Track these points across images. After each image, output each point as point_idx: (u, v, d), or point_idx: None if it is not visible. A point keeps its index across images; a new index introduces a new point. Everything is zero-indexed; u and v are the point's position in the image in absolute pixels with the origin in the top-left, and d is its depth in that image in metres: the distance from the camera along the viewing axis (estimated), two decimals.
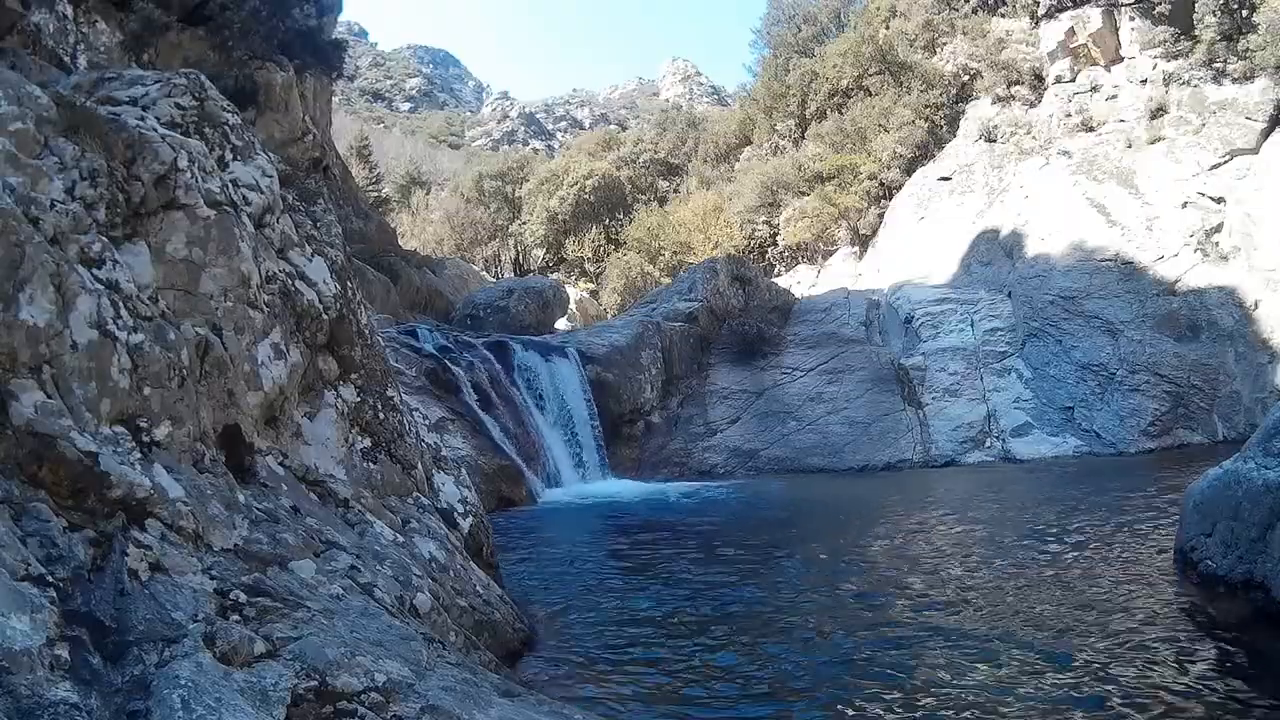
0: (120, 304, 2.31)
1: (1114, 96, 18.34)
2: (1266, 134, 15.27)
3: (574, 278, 31.40)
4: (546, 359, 12.75)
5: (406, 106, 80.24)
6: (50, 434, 1.92)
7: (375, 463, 3.65)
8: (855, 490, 10.49)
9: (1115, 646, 3.63)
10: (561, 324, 21.95)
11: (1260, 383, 12.90)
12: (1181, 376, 13.04)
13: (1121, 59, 18.64)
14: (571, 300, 24.23)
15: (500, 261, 34.11)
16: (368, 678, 1.99)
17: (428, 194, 39.28)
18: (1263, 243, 13.84)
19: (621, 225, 31.20)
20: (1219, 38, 16.48)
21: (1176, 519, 4.97)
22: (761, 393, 14.13)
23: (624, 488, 11.29)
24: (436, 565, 3.47)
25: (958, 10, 23.30)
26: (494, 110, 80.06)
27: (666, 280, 22.72)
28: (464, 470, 4.81)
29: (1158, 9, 17.69)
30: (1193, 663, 3.44)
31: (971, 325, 14.81)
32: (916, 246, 19.09)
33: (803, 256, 22.93)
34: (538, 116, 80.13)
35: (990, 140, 20.01)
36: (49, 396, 1.99)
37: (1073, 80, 19.36)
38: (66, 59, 4.03)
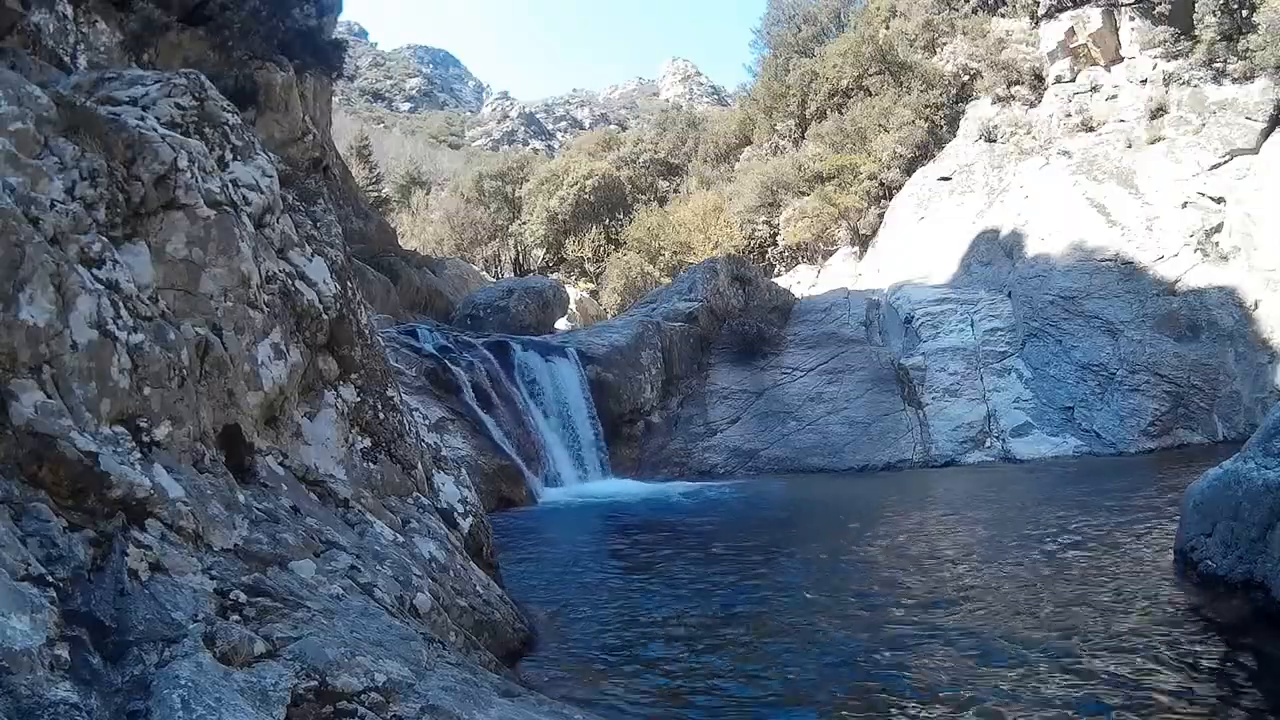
0: (120, 304, 2.31)
1: (1114, 96, 18.35)
2: (1266, 134, 15.27)
3: (574, 278, 31.41)
4: (546, 359, 12.75)
5: (406, 106, 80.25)
6: (50, 434, 1.92)
7: (375, 463, 3.65)
8: (855, 490, 10.49)
9: (1115, 646, 3.62)
10: (561, 324, 21.95)
11: (1260, 383, 12.91)
12: (1181, 376, 13.04)
13: (1121, 59, 18.64)
14: (571, 300, 24.24)
15: (500, 261, 34.11)
16: (368, 678, 1.99)
17: (428, 194, 39.30)
18: (1263, 243, 13.84)
19: (621, 225, 31.21)
20: (1219, 38, 16.48)
21: (1176, 519, 4.97)
22: (761, 393, 14.13)
23: (624, 488, 11.29)
24: (436, 565, 3.47)
25: (958, 10, 23.30)
26: (494, 110, 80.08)
27: (666, 280, 22.72)
28: (464, 470, 4.81)
29: (1158, 9, 17.69)
30: (1193, 663, 3.44)
31: (971, 325, 14.81)
32: (916, 246, 19.09)
33: (803, 256, 22.93)
34: (538, 116, 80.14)
35: (990, 140, 20.01)
36: (49, 396, 1.99)
37: (1073, 80, 19.36)
38: (66, 59, 4.03)
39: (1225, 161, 15.40)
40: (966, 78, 21.87)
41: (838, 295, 16.93)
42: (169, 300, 2.64)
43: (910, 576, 5.24)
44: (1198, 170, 15.54)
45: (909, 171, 21.37)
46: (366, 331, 3.90)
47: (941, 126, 21.73)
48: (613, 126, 59.78)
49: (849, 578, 5.29)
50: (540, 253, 33.85)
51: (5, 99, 2.25)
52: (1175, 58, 17.35)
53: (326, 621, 2.22)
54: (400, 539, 3.38)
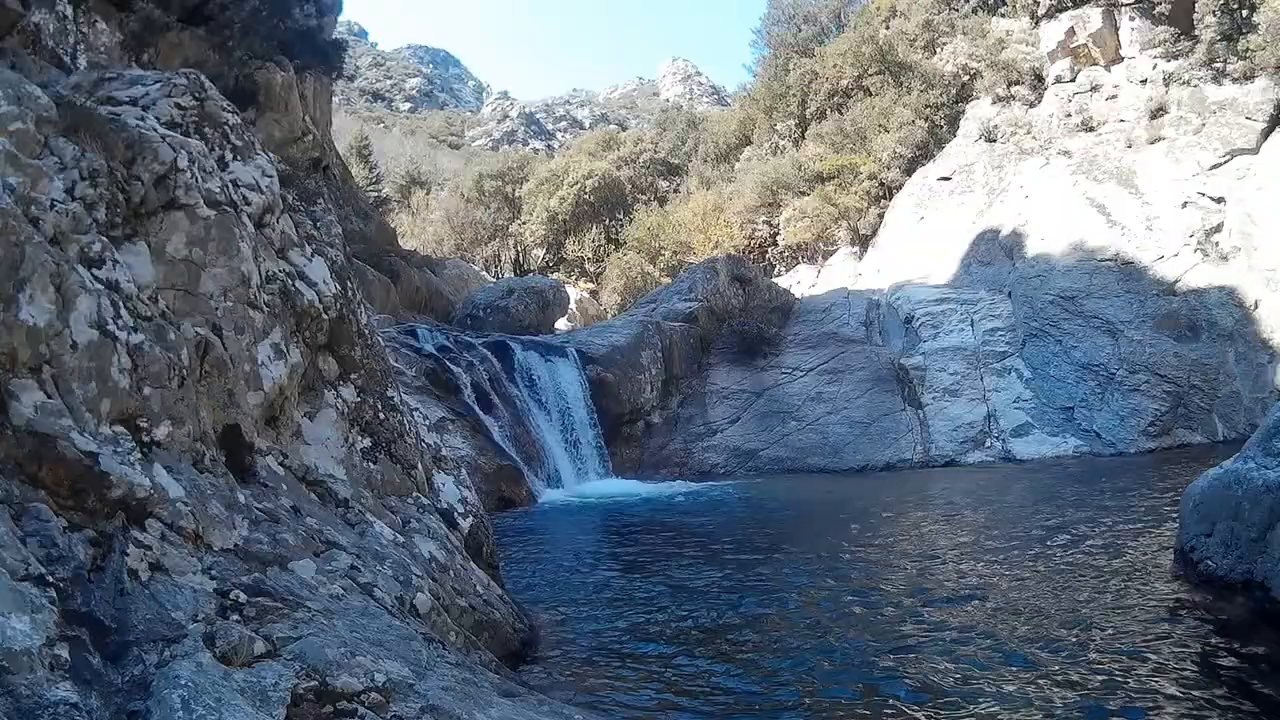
0: (120, 304, 2.31)
1: (1114, 96, 18.34)
2: (1266, 134, 15.27)
3: (574, 278, 31.40)
4: (546, 359, 12.76)
5: (406, 106, 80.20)
6: (50, 434, 1.92)
7: (375, 463, 3.65)
8: (855, 490, 10.49)
9: (1115, 646, 3.63)
10: (561, 324, 21.96)
11: (1260, 383, 12.91)
12: (1181, 376, 13.04)
13: (1121, 59, 18.64)
14: (571, 300, 24.24)
15: (500, 261, 34.11)
16: (368, 678, 1.99)
17: (428, 194, 39.28)
18: (1263, 243, 13.84)
19: (621, 225, 31.20)
20: (1219, 38, 16.49)
21: (1176, 519, 4.97)
22: (761, 393, 14.13)
23: (624, 488, 11.29)
24: (436, 565, 3.47)
25: (958, 10, 23.30)
26: (494, 110, 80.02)
27: (666, 280, 22.72)
28: (464, 470, 4.81)
29: (1158, 9, 17.69)
30: (1193, 663, 3.44)
31: (971, 325, 14.81)
32: (916, 246, 19.09)
33: (803, 256, 22.92)
34: (538, 116, 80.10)
35: (990, 140, 20.01)
36: (49, 396, 1.99)
37: (1073, 80, 19.36)
38: (66, 59, 4.02)
39: (1225, 161, 15.40)
40: (966, 78, 21.86)
41: (838, 295, 16.94)
42: (169, 300, 2.64)
43: (911, 577, 5.24)
44: (1198, 170, 15.54)
45: (909, 171, 21.36)
46: (366, 331, 3.90)
47: (941, 126, 21.73)
48: (613, 126, 59.79)
49: (849, 578, 5.29)
50: (540, 253, 33.85)
51: (5, 99, 2.25)
52: (1175, 58, 17.36)
53: (326, 621, 2.22)
54: (400, 539, 3.38)
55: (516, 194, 35.82)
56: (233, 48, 13.70)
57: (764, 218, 23.77)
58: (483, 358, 11.91)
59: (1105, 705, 3.01)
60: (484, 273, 30.38)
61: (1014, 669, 3.42)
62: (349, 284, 3.83)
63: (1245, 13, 16.31)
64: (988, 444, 13.05)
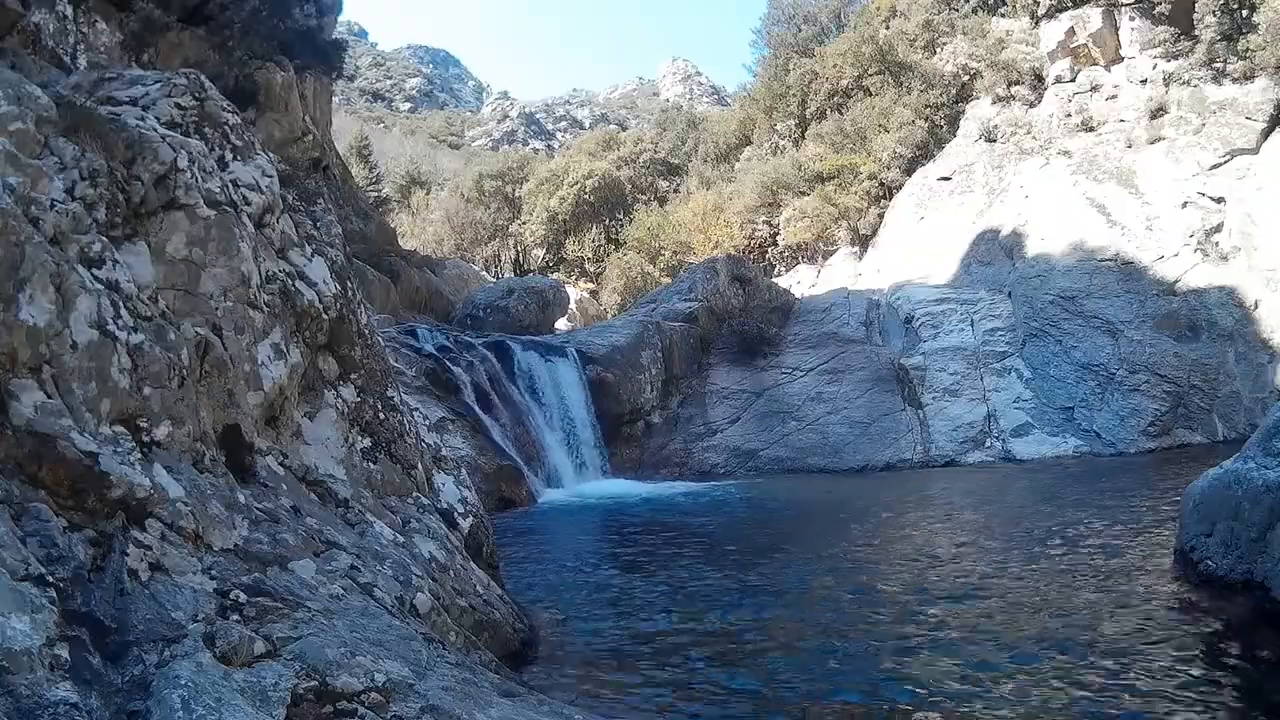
0: (120, 304, 2.31)
1: (1114, 96, 18.34)
2: (1266, 134, 15.27)
3: (574, 278, 31.39)
4: (546, 359, 12.76)
5: (406, 106, 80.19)
6: (50, 434, 1.92)
7: (375, 463, 3.65)
8: (855, 490, 10.48)
9: (1115, 647, 3.63)
10: (561, 324, 21.96)
11: (1260, 383, 12.91)
12: (1181, 376, 13.04)
13: (1121, 59, 18.64)
14: (571, 300, 24.24)
15: (500, 261, 34.10)
16: (368, 678, 1.99)
17: (428, 194, 39.28)
18: (1263, 243, 13.84)
19: (621, 225, 31.20)
20: (1219, 38, 16.48)
21: (1176, 519, 4.97)
22: (761, 393, 14.13)
23: (624, 488, 11.29)
24: (436, 565, 3.47)
25: (958, 10, 23.29)
26: (494, 110, 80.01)
27: (666, 280, 22.71)
28: (464, 470, 4.81)
29: (1158, 9, 17.69)
30: (1193, 663, 3.44)
31: (971, 325, 14.81)
32: (916, 246, 19.08)
33: (803, 256, 22.92)
34: (538, 116, 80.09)
35: (990, 140, 20.00)
36: (49, 396, 1.99)
37: (1073, 80, 19.36)
38: (66, 59, 4.02)
39: (1225, 161, 15.40)
40: (966, 78, 21.85)
41: (838, 295, 16.93)
42: (169, 300, 2.64)
43: (911, 577, 5.25)
44: (1198, 170, 15.54)
45: (909, 171, 21.36)
46: (366, 331, 3.90)
47: (941, 126, 21.72)
48: (613, 126, 59.78)
49: (849, 578, 5.29)
50: (540, 253, 33.85)
51: (5, 99, 2.25)
52: (1175, 58, 17.35)
53: (326, 621, 2.22)
54: (400, 539, 3.38)
55: (516, 194, 35.82)
56: (233, 48, 13.70)
57: (764, 218, 23.77)
58: (483, 358, 11.91)
59: (1105, 705, 3.01)
60: (484, 273, 30.37)
61: (1014, 669, 3.42)
62: (349, 284, 3.83)
63: (1245, 13, 16.30)
64: (988, 444, 13.05)
